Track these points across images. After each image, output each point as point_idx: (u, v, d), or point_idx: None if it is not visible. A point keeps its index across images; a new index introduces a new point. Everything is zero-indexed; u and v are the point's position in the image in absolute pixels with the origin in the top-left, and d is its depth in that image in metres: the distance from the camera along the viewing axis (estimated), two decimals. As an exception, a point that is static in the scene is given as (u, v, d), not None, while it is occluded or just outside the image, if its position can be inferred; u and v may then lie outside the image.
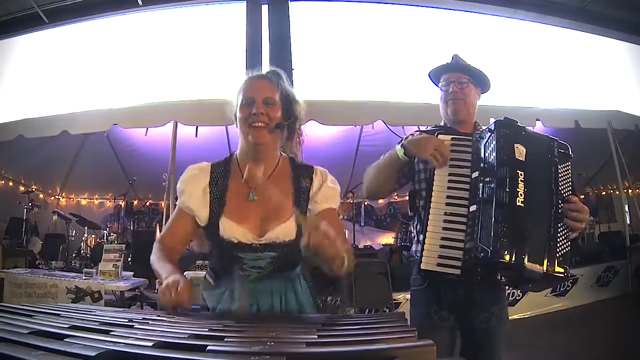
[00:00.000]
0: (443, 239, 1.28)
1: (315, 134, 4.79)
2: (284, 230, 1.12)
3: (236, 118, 1.17)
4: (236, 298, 1.12)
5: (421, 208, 1.43)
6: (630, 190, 6.24)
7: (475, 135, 1.37)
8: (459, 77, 1.48)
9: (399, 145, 1.43)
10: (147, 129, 4.95)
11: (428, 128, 1.58)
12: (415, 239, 1.48)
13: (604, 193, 7.72)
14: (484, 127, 1.50)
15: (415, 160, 1.45)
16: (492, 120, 1.35)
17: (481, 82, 1.52)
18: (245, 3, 5.03)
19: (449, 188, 1.33)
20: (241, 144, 1.19)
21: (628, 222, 5.91)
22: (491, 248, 1.15)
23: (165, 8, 6.36)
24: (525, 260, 1.13)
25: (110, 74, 6.85)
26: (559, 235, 1.20)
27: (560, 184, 1.26)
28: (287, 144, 1.25)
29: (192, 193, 1.16)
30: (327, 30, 6.79)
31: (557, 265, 1.17)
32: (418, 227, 1.46)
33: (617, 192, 6.32)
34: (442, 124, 1.55)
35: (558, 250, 1.19)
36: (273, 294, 1.14)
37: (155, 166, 5.02)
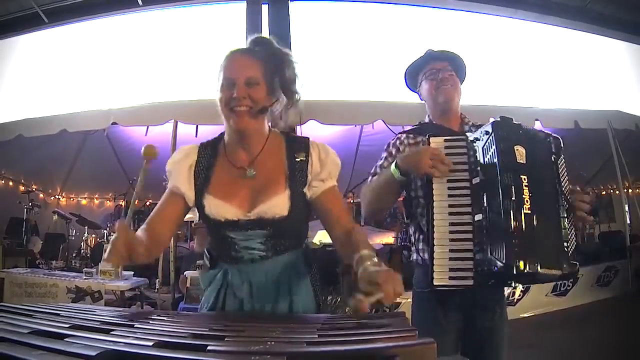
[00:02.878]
0: (452, 251, 1.23)
1: (315, 134, 4.78)
2: (275, 204, 1.04)
3: (217, 98, 1.08)
4: (229, 280, 1.10)
5: (419, 216, 1.39)
6: (630, 190, 6.24)
7: (470, 136, 1.32)
8: (446, 66, 1.45)
9: (393, 165, 1.34)
10: (147, 128, 4.95)
11: (413, 127, 1.53)
12: (415, 247, 1.43)
13: (604, 193, 7.73)
14: (472, 122, 1.49)
15: None
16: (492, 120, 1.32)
17: (461, 73, 1.49)
18: (245, 3, 5.02)
19: (449, 196, 1.27)
20: (225, 126, 1.11)
21: (628, 222, 5.91)
22: (504, 261, 1.12)
23: (165, 8, 6.36)
24: (539, 267, 1.12)
25: (110, 74, 6.86)
26: (568, 233, 1.20)
27: (561, 180, 1.24)
28: (285, 114, 1.13)
29: (179, 172, 1.11)
30: (327, 30, 6.80)
31: (570, 264, 1.17)
32: (417, 235, 1.42)
33: (617, 192, 6.32)
34: (426, 120, 1.52)
35: (568, 248, 1.18)
36: (267, 278, 1.08)
37: (155, 166, 5.01)
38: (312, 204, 1.11)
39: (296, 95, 1.13)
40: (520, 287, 4.10)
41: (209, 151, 1.14)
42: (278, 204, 1.05)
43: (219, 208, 1.06)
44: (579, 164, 5.92)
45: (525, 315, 4.13)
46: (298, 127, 4.14)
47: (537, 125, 4.65)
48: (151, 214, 1.11)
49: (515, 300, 4.15)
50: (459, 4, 6.39)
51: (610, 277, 4.80)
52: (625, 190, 5.99)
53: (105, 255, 0.92)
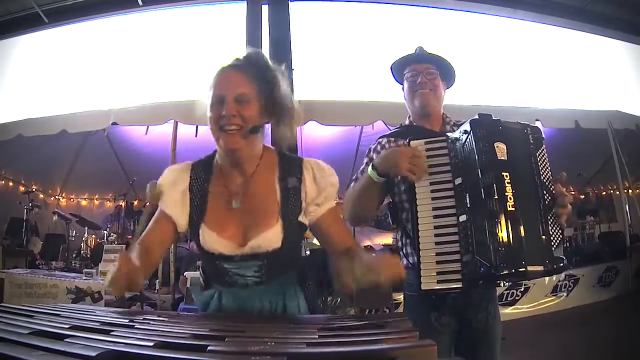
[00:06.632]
0: (438, 254, 1.21)
1: (315, 134, 4.79)
2: (268, 239, 1.01)
3: (207, 117, 1.03)
4: (223, 304, 1.08)
5: (405, 220, 1.38)
6: (630, 190, 6.23)
7: (449, 136, 1.30)
8: (428, 68, 1.41)
9: (370, 167, 1.31)
10: (148, 128, 4.96)
11: (394, 129, 1.52)
12: (403, 252, 1.41)
13: (604, 193, 7.73)
14: (453, 120, 1.47)
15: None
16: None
17: (448, 75, 1.47)
18: (245, 3, 5.02)
19: (433, 199, 1.25)
20: (217, 146, 1.07)
21: (628, 222, 5.91)
22: (491, 263, 1.11)
23: (165, 8, 6.36)
24: (526, 266, 1.11)
25: (110, 74, 6.85)
26: (550, 227, 1.17)
27: (541, 173, 1.21)
28: (281, 130, 1.08)
29: (171, 197, 1.06)
30: (327, 30, 6.78)
31: (556, 259, 1.15)
32: (405, 240, 1.40)
33: (617, 192, 6.32)
34: (407, 122, 1.51)
35: (553, 242, 1.16)
36: (262, 303, 1.05)
37: (155, 166, 5.00)
38: (310, 227, 1.09)
39: (289, 111, 1.07)
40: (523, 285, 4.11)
41: (201, 174, 1.09)
42: (271, 237, 1.02)
43: (213, 241, 1.03)
44: (579, 164, 5.92)
45: (526, 315, 4.13)
46: (298, 128, 4.13)
47: (537, 125, 4.65)
48: (145, 232, 1.08)
49: (514, 300, 4.15)
50: (458, 4, 6.38)
51: (612, 277, 4.79)
52: (626, 190, 5.99)
53: (106, 283, 0.92)
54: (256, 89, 1.02)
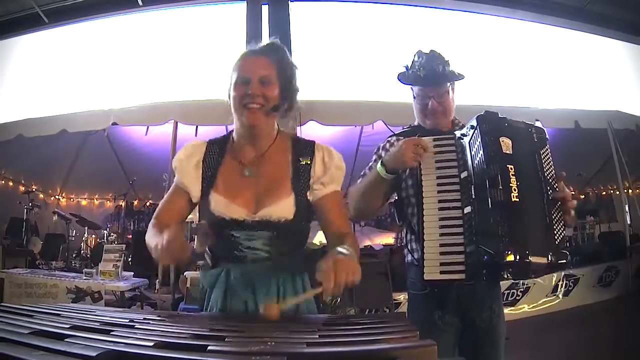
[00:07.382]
0: (442, 245, 1.23)
1: (315, 134, 4.79)
2: (281, 208, 1.06)
3: (230, 96, 1.11)
4: (232, 280, 1.09)
5: (410, 215, 1.39)
6: (630, 190, 6.23)
7: (456, 133, 1.32)
8: (439, 90, 1.40)
9: (379, 164, 1.33)
10: (148, 128, 4.96)
11: (403, 129, 1.53)
12: (408, 248, 1.42)
13: (604, 193, 7.73)
14: (462, 123, 1.46)
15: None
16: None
17: (457, 80, 1.46)
18: (245, 3, 5.03)
19: (439, 192, 1.28)
20: (235, 124, 1.14)
21: (628, 222, 5.91)
22: (494, 250, 1.12)
23: (165, 8, 6.36)
24: (530, 256, 1.12)
25: (110, 74, 6.85)
26: (554, 222, 1.19)
27: (545, 170, 1.23)
28: (284, 120, 1.17)
29: (185, 168, 1.13)
30: (327, 30, 6.78)
31: (559, 253, 1.16)
32: (410, 236, 1.41)
33: (617, 192, 6.32)
34: (415, 123, 1.51)
35: (556, 237, 1.18)
36: (270, 279, 1.07)
37: (155, 166, 5.03)
38: (312, 206, 1.12)
39: (294, 107, 1.16)
40: (522, 284, 4.11)
41: (216, 149, 1.16)
42: (284, 208, 1.07)
43: (224, 206, 1.07)
44: (579, 164, 5.92)
45: (527, 315, 4.13)
46: (298, 128, 4.14)
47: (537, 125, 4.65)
48: (159, 209, 1.14)
49: (515, 300, 4.15)
50: (457, 3, 6.38)
51: (612, 277, 4.79)
52: (625, 190, 5.99)
53: (160, 253, 0.94)
54: (277, 73, 1.10)
